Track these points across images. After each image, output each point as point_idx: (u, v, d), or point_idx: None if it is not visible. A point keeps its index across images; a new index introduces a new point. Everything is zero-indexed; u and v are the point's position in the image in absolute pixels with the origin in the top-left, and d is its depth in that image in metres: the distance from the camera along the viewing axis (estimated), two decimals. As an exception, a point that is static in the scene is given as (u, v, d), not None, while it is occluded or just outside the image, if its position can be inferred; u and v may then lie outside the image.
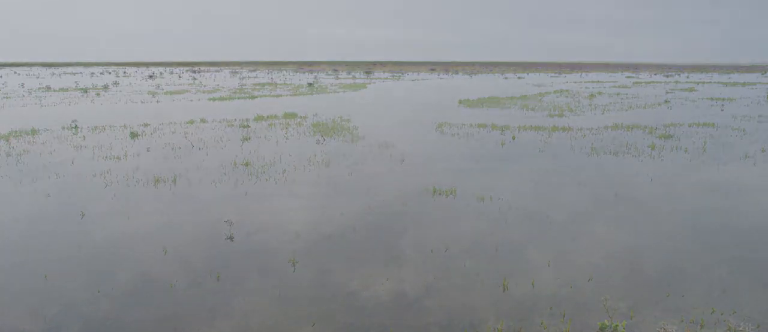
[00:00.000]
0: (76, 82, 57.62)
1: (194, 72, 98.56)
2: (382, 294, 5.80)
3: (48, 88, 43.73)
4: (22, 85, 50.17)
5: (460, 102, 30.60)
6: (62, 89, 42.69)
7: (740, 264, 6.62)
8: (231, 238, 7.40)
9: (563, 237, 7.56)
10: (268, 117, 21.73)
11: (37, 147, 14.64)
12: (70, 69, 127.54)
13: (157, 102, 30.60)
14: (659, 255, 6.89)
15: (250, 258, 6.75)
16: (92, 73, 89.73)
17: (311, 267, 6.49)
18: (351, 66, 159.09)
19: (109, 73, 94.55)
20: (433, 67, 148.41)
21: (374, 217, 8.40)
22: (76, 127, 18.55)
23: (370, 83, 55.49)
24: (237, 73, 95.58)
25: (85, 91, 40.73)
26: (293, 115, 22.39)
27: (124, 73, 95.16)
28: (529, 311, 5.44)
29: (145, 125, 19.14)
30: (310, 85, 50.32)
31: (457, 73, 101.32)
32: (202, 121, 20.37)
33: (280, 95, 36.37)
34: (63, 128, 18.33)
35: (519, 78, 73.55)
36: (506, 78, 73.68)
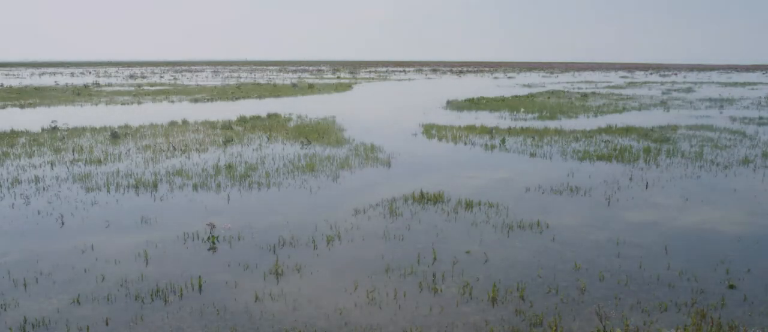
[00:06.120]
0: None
1: (176, 72, 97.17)
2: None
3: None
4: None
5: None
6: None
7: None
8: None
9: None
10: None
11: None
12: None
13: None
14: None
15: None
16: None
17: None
18: (335, 65, 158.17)
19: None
20: (420, 66, 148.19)
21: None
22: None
23: (356, 83, 54.99)
24: (218, 73, 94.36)
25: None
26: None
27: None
28: None
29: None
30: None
31: (444, 73, 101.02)
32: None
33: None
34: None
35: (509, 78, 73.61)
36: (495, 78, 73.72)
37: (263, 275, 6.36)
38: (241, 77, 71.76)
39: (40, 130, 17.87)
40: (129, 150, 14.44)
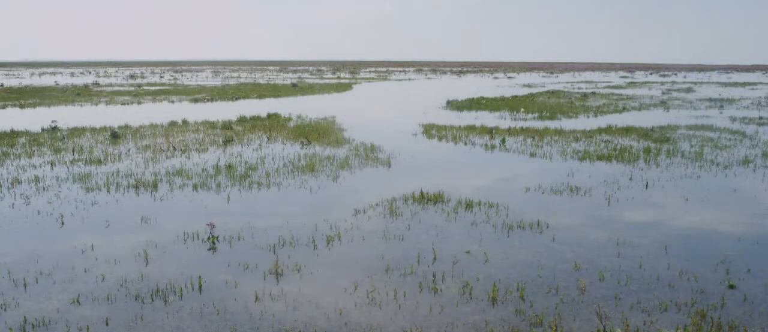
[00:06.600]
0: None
1: (176, 71, 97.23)
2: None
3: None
4: None
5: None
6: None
7: (756, 282, 6.18)
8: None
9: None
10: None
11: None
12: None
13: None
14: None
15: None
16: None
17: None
18: (335, 65, 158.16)
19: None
20: (420, 67, 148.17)
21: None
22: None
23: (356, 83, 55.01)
24: (218, 73, 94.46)
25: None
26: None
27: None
28: None
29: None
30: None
31: (445, 72, 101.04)
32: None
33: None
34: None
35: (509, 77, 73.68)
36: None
37: (263, 275, 6.36)
38: (241, 77, 71.82)
39: (41, 130, 17.87)
40: (129, 150, 14.45)
